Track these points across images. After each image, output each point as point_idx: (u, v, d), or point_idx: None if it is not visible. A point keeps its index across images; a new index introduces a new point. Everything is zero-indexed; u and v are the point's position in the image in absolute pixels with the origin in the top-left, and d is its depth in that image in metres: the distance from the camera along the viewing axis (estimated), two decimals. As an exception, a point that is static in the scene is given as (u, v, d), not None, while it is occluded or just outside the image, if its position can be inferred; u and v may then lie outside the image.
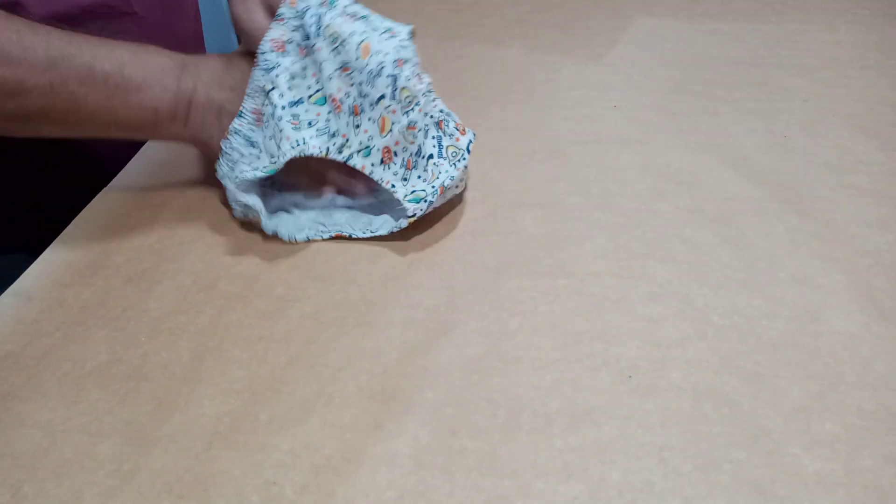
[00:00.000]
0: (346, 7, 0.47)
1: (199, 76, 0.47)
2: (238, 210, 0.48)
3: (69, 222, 0.52)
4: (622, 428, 0.36)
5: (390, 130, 0.46)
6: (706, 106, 0.59)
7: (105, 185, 0.55)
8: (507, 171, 0.54)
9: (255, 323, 0.43)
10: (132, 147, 0.58)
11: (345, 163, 0.47)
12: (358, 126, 0.46)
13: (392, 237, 0.48)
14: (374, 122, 0.46)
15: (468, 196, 0.51)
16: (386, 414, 0.37)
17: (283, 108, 0.46)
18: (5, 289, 0.46)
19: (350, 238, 0.48)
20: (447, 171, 0.46)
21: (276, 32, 0.47)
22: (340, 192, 0.51)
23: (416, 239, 0.48)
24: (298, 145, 0.45)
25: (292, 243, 0.48)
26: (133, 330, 0.43)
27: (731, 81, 0.62)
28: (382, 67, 0.44)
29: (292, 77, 0.47)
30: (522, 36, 0.72)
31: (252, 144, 0.47)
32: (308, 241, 0.48)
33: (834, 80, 0.61)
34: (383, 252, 0.47)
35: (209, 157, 0.49)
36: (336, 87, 0.46)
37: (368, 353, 0.40)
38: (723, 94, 0.61)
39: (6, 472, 0.36)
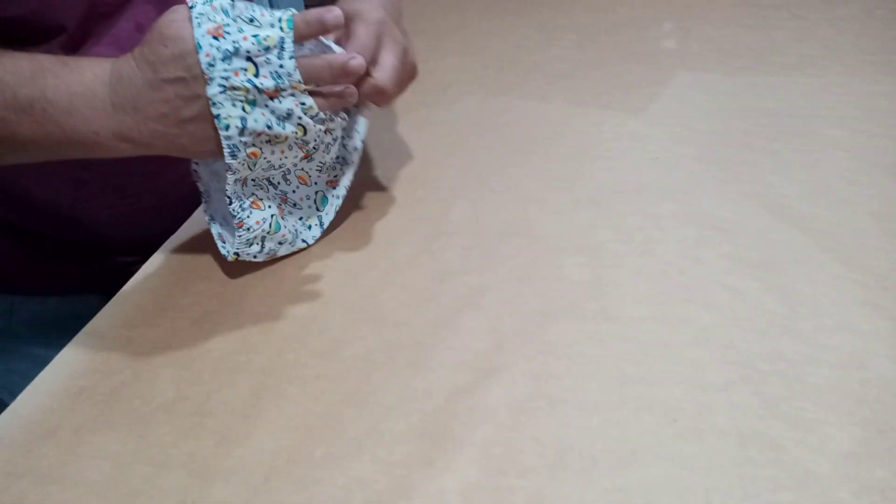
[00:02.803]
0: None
1: (137, 92, 0.43)
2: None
3: (139, 267, 0.55)
4: (668, 469, 0.36)
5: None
6: (746, 156, 0.61)
7: (172, 233, 0.59)
8: (551, 218, 0.55)
9: (311, 363, 0.45)
10: (194, 201, 0.62)
11: None
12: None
13: (437, 282, 0.50)
14: None
15: (514, 242, 0.53)
16: (436, 451, 0.38)
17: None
18: (81, 329, 0.50)
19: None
20: None
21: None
22: None
23: (463, 283, 0.50)
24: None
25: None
26: (197, 368, 0.45)
27: (771, 132, 0.63)
28: None
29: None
30: (564, 91, 0.74)
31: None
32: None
33: (876, 131, 0.62)
34: (432, 296, 0.49)
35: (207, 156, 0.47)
36: None
37: (419, 393, 0.42)
38: (763, 145, 0.62)
39: (79, 499, 0.38)
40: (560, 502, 0.35)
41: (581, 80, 0.76)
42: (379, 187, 0.62)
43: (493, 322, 0.46)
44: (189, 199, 0.61)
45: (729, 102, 0.69)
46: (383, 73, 0.49)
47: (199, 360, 0.46)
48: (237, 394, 0.43)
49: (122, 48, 0.55)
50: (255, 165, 0.47)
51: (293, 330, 0.47)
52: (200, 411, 0.42)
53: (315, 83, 0.46)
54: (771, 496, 0.34)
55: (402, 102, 0.75)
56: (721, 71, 0.75)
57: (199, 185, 0.53)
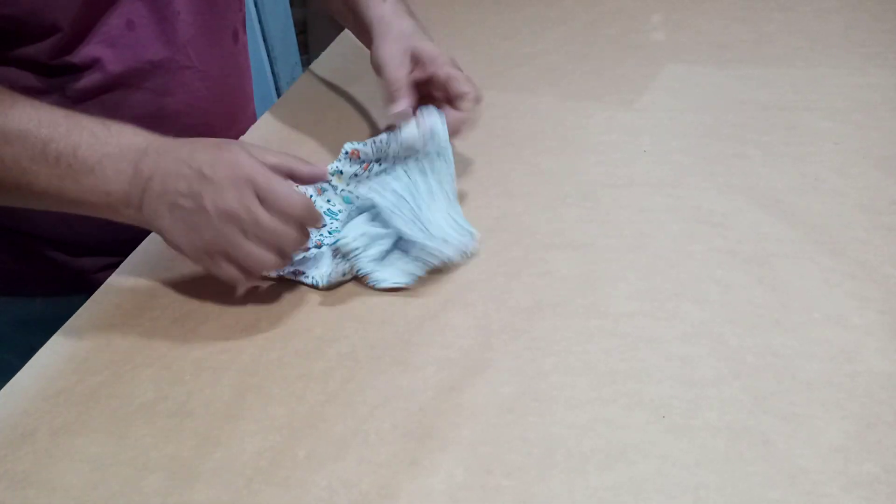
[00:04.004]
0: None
1: (159, 163, 0.44)
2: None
3: (118, 266, 0.54)
4: (657, 466, 0.36)
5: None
6: (737, 149, 0.60)
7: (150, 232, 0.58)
8: (540, 213, 0.55)
9: (294, 362, 0.44)
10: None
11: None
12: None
13: (425, 278, 0.49)
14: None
15: (501, 237, 0.52)
16: (422, 451, 0.38)
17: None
18: (58, 329, 0.48)
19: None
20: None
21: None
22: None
23: (450, 279, 0.49)
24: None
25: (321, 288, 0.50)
26: (178, 368, 0.45)
27: (762, 125, 0.63)
28: None
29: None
30: (554, 84, 0.74)
31: None
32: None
33: (865, 123, 0.62)
34: (418, 293, 0.48)
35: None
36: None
37: (404, 392, 0.41)
38: (753, 138, 0.61)
39: (57, 503, 0.37)
40: (548, 501, 0.35)
41: (570, 72, 0.75)
42: (365, 183, 0.61)
43: (480, 319, 0.46)
44: None
45: (719, 95, 0.68)
46: (464, 85, 0.54)
47: (179, 359, 0.45)
48: (219, 394, 0.42)
49: (114, 46, 0.54)
50: None
51: (276, 328, 0.47)
52: (181, 412, 0.42)
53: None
54: (761, 492, 0.34)
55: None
56: (711, 63, 0.74)
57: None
